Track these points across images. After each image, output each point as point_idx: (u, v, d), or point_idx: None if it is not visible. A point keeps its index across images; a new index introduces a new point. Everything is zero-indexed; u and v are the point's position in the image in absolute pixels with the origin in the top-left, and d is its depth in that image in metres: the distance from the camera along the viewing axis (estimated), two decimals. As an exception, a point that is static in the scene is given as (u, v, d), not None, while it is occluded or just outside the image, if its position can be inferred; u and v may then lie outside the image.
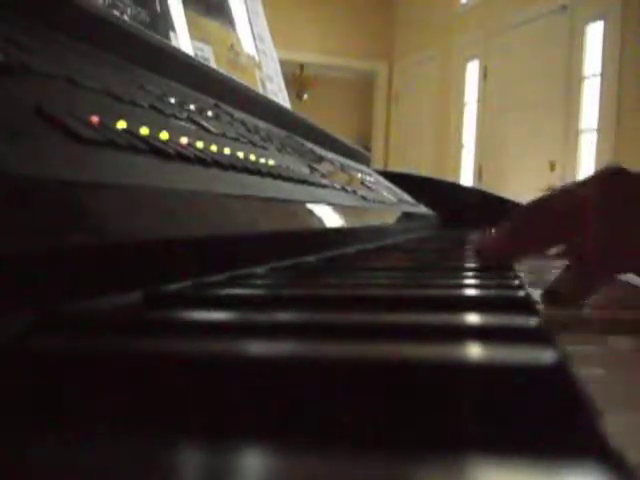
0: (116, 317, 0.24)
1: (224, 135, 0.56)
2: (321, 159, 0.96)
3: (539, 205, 0.40)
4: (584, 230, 0.35)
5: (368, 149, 4.73)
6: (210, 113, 0.61)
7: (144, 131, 0.38)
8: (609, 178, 0.36)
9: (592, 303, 0.36)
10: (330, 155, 1.14)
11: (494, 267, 0.42)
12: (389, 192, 1.21)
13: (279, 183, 0.55)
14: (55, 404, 0.16)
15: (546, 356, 0.15)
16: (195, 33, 0.89)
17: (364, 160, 1.59)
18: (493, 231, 0.41)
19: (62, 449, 0.12)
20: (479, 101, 4.79)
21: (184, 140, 0.42)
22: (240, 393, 0.15)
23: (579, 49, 3.86)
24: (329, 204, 0.65)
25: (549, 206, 0.39)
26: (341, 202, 0.72)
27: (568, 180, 3.88)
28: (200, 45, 0.90)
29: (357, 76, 6.36)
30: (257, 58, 1.19)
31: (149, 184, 0.32)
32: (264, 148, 0.65)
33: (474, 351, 0.17)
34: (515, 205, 1.53)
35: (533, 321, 0.21)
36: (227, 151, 0.49)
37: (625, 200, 0.35)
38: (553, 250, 0.43)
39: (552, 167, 4.00)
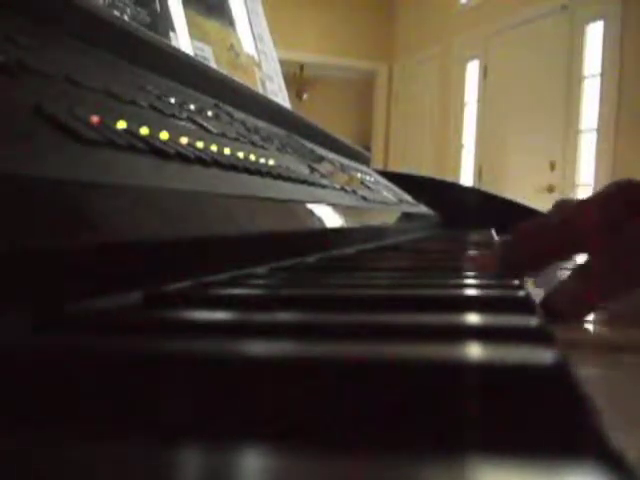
0: (116, 317, 0.24)
1: (224, 135, 0.56)
2: (321, 159, 0.95)
3: (546, 222, 0.38)
4: (591, 244, 0.34)
5: (368, 149, 4.73)
6: (210, 113, 0.61)
7: (144, 131, 0.38)
8: (617, 191, 0.34)
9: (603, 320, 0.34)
10: (330, 155, 1.14)
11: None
12: (389, 192, 1.21)
13: (279, 183, 0.55)
14: (55, 404, 0.16)
15: (546, 356, 0.15)
16: (195, 33, 0.89)
17: (364, 160, 1.59)
18: (494, 249, 0.39)
19: (62, 449, 0.12)
20: (479, 101, 4.78)
21: (184, 140, 0.42)
22: (240, 393, 0.15)
23: (579, 49, 3.87)
24: (329, 204, 0.65)
25: (556, 221, 0.37)
26: (341, 202, 0.72)
27: (568, 180, 3.89)
28: (200, 45, 0.90)
29: (357, 76, 6.35)
30: (257, 58, 1.19)
31: (149, 184, 0.32)
32: (264, 148, 0.65)
33: (474, 351, 0.17)
34: (515, 205, 1.53)
35: (533, 321, 0.21)
36: (227, 151, 0.49)
37: (634, 212, 0.33)
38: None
39: (552, 167, 4.00)
